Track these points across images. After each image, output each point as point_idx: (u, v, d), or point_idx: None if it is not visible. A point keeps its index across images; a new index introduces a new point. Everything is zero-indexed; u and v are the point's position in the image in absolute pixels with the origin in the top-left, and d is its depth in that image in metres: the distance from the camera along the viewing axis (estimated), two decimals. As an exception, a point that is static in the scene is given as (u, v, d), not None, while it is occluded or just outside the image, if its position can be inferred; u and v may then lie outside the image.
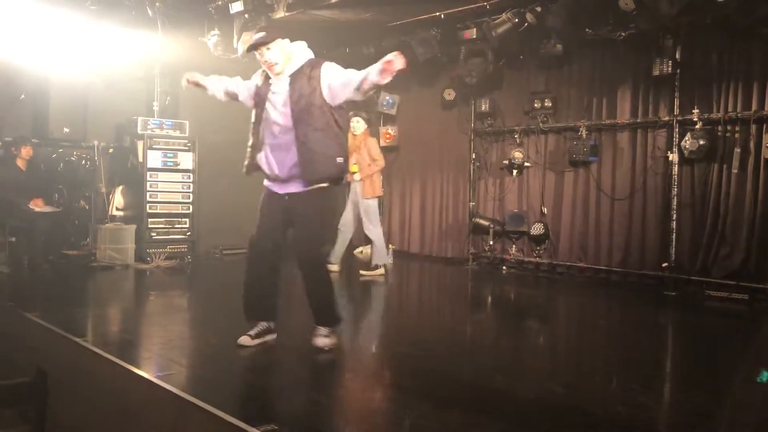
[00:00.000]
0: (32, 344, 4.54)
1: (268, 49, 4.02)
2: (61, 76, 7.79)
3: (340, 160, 4.07)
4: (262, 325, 4.26)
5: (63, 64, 7.72)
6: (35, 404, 4.01)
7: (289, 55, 4.08)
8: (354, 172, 7.38)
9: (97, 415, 3.65)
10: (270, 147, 4.11)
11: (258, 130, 4.17)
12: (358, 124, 7.30)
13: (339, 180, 4.18)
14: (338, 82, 3.98)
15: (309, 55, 4.18)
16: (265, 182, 4.25)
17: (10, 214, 7.28)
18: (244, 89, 4.33)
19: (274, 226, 4.19)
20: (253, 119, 4.22)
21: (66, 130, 8.04)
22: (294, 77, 4.04)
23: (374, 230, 7.57)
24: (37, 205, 7.50)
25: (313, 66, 4.06)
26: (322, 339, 4.19)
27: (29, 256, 7.42)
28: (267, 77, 4.14)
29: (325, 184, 4.08)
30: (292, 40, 4.15)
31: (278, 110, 4.05)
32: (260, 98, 4.14)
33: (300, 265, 4.14)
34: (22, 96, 7.89)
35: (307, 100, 3.98)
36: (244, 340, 4.18)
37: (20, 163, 7.50)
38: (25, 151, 7.51)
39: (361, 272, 7.61)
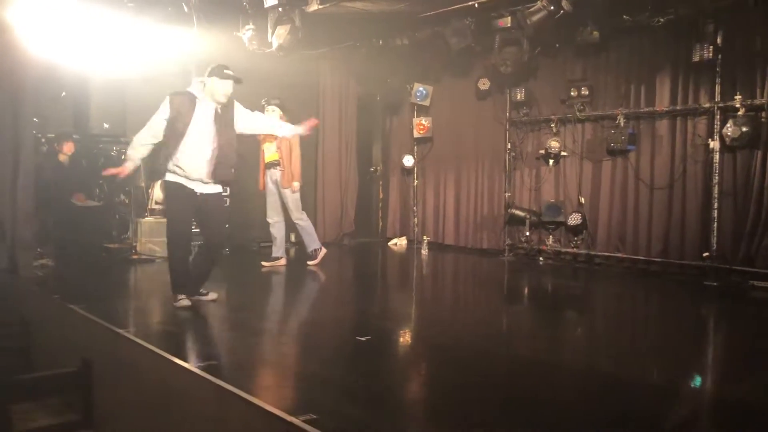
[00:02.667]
0: (77, 335, 4.64)
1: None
2: (100, 73, 7.93)
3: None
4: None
5: (102, 62, 7.84)
6: (81, 393, 4.12)
7: None
8: (275, 161, 7.26)
9: (139, 403, 3.73)
10: (193, 153, 5.07)
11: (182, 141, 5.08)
12: (273, 113, 7.12)
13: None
14: (248, 118, 5.38)
15: None
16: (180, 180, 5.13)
17: (53, 209, 7.45)
18: (161, 123, 5.22)
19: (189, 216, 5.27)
20: (175, 132, 5.07)
21: (106, 125, 8.23)
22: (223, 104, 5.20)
23: (301, 220, 7.43)
24: (79, 200, 7.67)
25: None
26: (212, 295, 5.38)
27: (72, 250, 7.59)
28: (192, 102, 5.09)
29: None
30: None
31: (207, 126, 5.09)
32: (187, 117, 5.07)
33: (209, 245, 5.29)
34: (63, 93, 8.07)
35: (226, 121, 5.18)
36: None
37: (62, 158, 7.67)
38: (67, 147, 7.68)
39: (263, 263, 7.45)
